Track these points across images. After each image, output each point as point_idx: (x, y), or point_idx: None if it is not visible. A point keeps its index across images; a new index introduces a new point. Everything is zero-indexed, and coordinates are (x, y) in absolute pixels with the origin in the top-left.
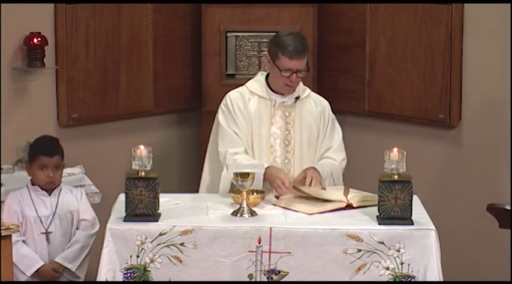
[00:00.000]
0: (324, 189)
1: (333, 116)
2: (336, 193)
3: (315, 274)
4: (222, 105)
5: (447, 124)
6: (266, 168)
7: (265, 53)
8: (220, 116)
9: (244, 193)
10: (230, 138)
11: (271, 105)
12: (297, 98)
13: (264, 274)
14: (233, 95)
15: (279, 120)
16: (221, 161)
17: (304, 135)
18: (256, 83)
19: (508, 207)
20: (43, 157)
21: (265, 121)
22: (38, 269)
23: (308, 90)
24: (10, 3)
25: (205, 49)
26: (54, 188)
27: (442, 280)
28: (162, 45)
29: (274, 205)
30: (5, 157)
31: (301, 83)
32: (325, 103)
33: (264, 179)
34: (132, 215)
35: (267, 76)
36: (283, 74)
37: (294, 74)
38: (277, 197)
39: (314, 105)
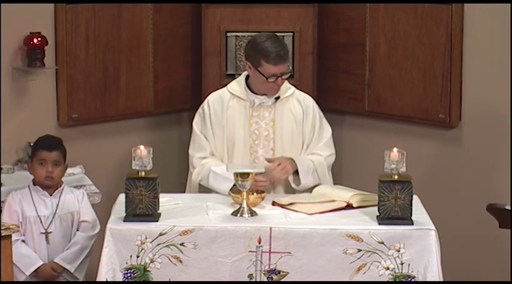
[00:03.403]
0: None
1: (321, 114)
2: (343, 193)
3: (315, 274)
4: (200, 108)
5: (447, 124)
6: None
7: (245, 60)
8: (195, 119)
9: (244, 193)
10: (199, 142)
11: (250, 106)
12: (277, 98)
13: (264, 274)
14: (212, 98)
15: (258, 121)
16: (190, 164)
17: (286, 134)
18: (237, 84)
19: (508, 207)
20: (42, 152)
21: (244, 123)
22: (37, 269)
23: (292, 89)
24: (10, 3)
25: (205, 49)
26: (56, 188)
27: (442, 280)
28: (162, 45)
29: (274, 204)
30: (5, 157)
31: (285, 82)
32: (309, 101)
33: None
34: (132, 215)
35: (247, 77)
36: (269, 80)
37: (279, 78)
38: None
39: (297, 104)
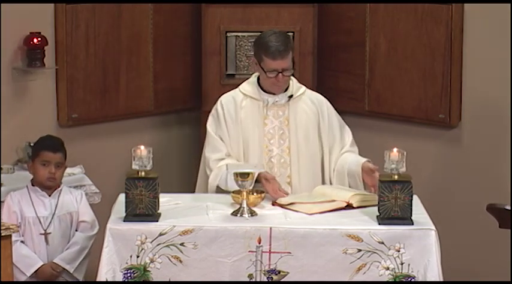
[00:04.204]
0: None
1: (337, 114)
2: (343, 193)
3: (315, 274)
4: (213, 110)
5: (447, 124)
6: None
7: (253, 56)
8: (208, 121)
9: (244, 193)
10: (214, 143)
11: (264, 105)
12: (290, 97)
13: (264, 274)
14: (225, 100)
15: (273, 120)
16: (206, 166)
17: (300, 133)
18: (249, 85)
19: (508, 207)
20: (46, 153)
21: (258, 123)
22: (37, 269)
23: (303, 88)
24: (10, 3)
25: (205, 49)
26: (55, 189)
27: (442, 280)
28: (162, 45)
29: (274, 204)
30: (5, 157)
31: (295, 81)
32: (321, 100)
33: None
34: (132, 215)
35: (259, 77)
36: (268, 75)
37: (280, 74)
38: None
39: (310, 103)
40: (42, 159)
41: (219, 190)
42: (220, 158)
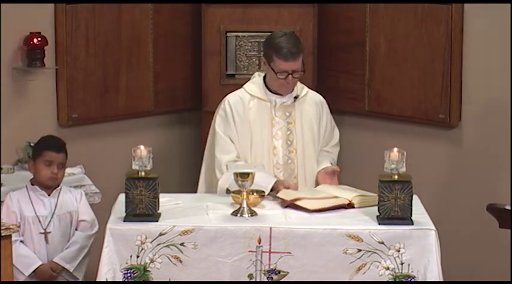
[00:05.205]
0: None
1: (330, 114)
2: (345, 193)
3: (315, 274)
4: (220, 110)
5: (447, 124)
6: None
7: (261, 55)
8: (216, 121)
9: (244, 193)
10: (224, 144)
11: (272, 106)
12: (296, 97)
13: (264, 274)
14: (233, 100)
15: (280, 121)
16: (216, 167)
17: (306, 133)
18: (255, 85)
19: (508, 207)
20: (50, 152)
21: (266, 124)
22: (36, 269)
23: (306, 89)
24: (10, 3)
25: (205, 49)
26: (54, 188)
27: (442, 280)
28: (162, 45)
29: (276, 197)
30: (5, 157)
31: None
32: (323, 102)
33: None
34: (132, 215)
35: (264, 77)
36: (279, 76)
37: (290, 75)
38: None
39: (313, 103)
40: (45, 158)
41: (229, 192)
42: (232, 160)
